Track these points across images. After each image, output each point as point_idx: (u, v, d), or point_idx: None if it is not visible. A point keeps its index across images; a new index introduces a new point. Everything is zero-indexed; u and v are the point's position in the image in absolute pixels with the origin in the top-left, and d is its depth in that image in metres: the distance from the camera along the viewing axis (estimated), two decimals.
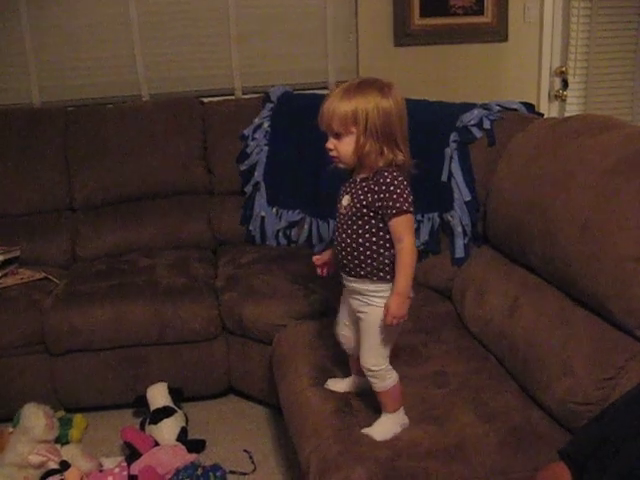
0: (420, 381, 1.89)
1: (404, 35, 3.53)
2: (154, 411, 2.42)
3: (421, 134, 2.60)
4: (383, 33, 3.53)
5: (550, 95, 3.67)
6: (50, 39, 3.32)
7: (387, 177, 1.58)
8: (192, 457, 2.24)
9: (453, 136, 2.44)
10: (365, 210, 1.61)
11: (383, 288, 1.64)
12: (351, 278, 1.68)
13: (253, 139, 3.13)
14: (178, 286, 2.63)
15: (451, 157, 2.42)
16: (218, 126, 3.21)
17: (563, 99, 3.62)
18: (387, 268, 1.63)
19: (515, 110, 2.46)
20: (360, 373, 1.79)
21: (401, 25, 3.51)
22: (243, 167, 3.15)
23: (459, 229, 2.37)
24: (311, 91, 3.39)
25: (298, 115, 3.07)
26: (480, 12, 3.56)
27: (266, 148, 3.11)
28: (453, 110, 2.53)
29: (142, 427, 2.43)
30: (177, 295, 2.58)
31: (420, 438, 1.63)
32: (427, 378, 1.91)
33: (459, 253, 2.37)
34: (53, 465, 2.21)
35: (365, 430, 1.68)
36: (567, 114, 3.56)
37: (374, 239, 1.62)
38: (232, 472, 2.25)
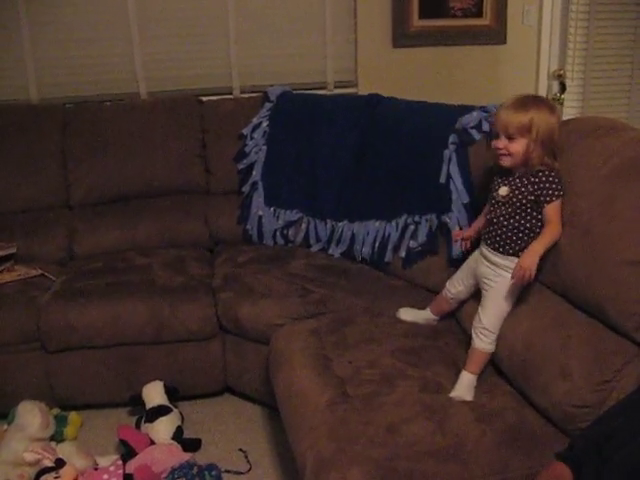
0: (418, 382, 1.89)
1: (403, 36, 3.53)
2: (150, 410, 2.41)
3: (420, 136, 2.63)
4: (382, 34, 3.54)
5: (548, 98, 3.68)
6: (48, 36, 3.31)
7: (545, 171, 1.85)
8: (187, 456, 2.24)
9: (452, 138, 2.44)
10: (524, 201, 1.87)
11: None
12: (496, 253, 1.94)
13: (252, 138, 3.13)
14: (175, 285, 2.63)
15: (450, 159, 2.43)
16: (216, 125, 3.20)
17: (561, 102, 3.63)
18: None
19: None
20: (438, 314, 2.25)
21: (400, 26, 3.52)
22: (241, 166, 3.14)
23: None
24: (310, 91, 3.39)
25: (297, 115, 3.07)
26: (479, 14, 3.57)
27: (264, 148, 3.11)
28: (452, 112, 2.53)
29: (138, 426, 2.43)
30: (174, 294, 2.57)
31: (417, 438, 1.64)
32: (425, 380, 1.91)
33: (456, 254, 2.38)
34: (48, 463, 2.20)
35: (452, 394, 1.83)
36: (565, 117, 3.56)
37: (527, 224, 1.88)
38: (227, 471, 2.25)
